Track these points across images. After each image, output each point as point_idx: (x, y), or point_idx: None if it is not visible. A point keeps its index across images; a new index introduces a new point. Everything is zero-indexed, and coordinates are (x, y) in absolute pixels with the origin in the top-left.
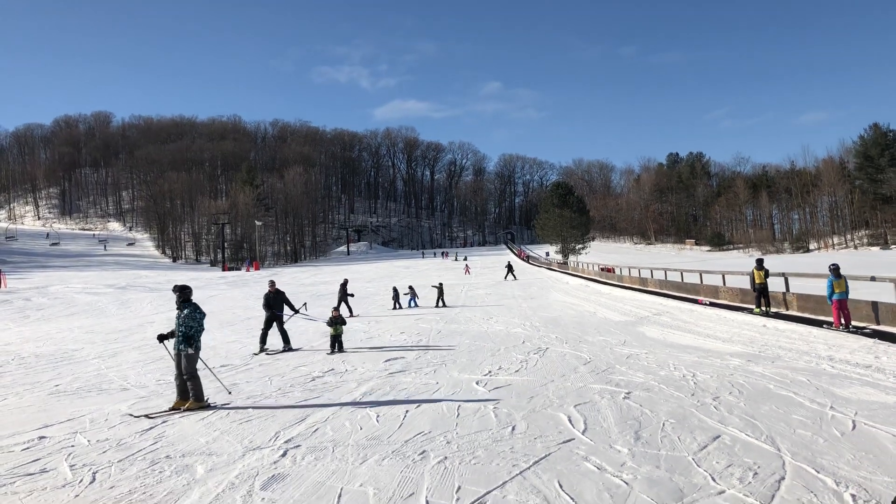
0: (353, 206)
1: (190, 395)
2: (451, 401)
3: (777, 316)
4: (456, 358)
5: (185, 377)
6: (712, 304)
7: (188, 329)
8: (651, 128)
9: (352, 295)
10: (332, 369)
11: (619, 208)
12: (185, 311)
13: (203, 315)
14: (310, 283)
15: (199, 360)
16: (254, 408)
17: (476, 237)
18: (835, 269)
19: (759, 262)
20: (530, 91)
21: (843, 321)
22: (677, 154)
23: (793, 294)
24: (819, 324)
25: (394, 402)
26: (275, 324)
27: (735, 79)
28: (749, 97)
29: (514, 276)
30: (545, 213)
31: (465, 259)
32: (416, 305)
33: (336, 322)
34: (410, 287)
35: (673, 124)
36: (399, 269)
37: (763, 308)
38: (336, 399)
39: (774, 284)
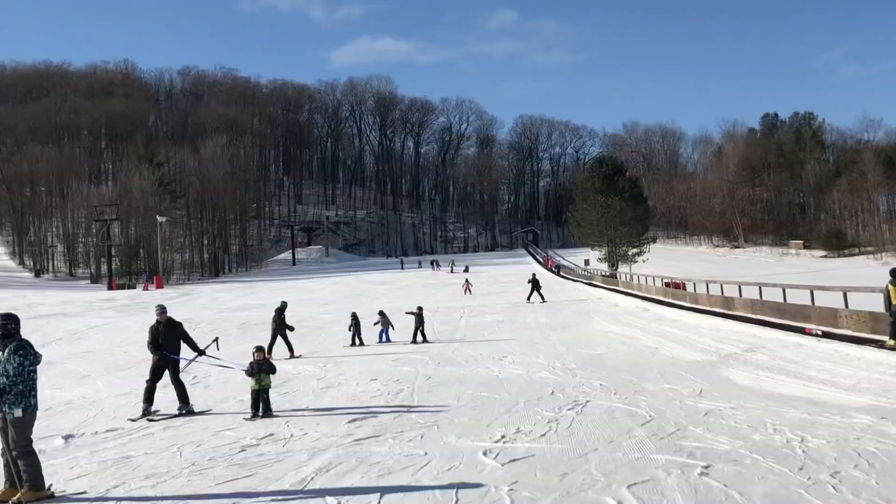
0: (301, 195)
1: (23, 481)
2: (447, 482)
3: None
4: (453, 417)
5: (13, 453)
6: (826, 335)
7: (15, 380)
8: (737, 78)
9: (291, 328)
10: (272, 434)
11: (691, 195)
12: (7, 353)
13: (37, 359)
14: (237, 308)
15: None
16: (156, 500)
17: (482, 238)
18: None
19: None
20: (560, 24)
21: None
22: (776, 115)
23: None
24: None
25: (362, 483)
26: (167, 372)
27: (857, 3)
28: (878, 30)
29: (541, 295)
30: (584, 202)
31: (466, 270)
32: (388, 340)
33: (260, 369)
34: (381, 314)
35: (768, 74)
36: (370, 285)
37: None
38: (277, 478)
39: None
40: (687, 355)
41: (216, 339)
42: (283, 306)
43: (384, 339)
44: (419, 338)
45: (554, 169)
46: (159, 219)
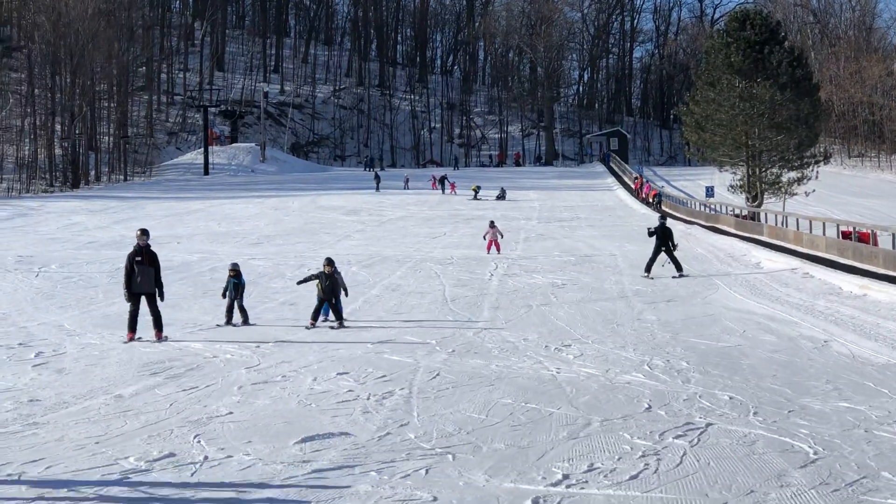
0: (223, 55)
1: None
2: None
3: None
4: (480, 441)
5: None
6: None
7: None
8: None
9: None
10: (171, 455)
11: (893, 85)
12: None
13: None
14: (108, 243)
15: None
16: None
17: (532, 142)
18: None
19: None
20: None
21: None
22: None
23: None
24: None
25: None
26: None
27: None
28: None
29: (674, 261)
30: (709, 87)
31: (501, 196)
32: (337, 318)
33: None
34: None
35: None
36: (335, 214)
37: None
38: None
39: None
40: (877, 355)
41: None
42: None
43: (324, 314)
44: (325, 317)
45: (659, 28)
46: None
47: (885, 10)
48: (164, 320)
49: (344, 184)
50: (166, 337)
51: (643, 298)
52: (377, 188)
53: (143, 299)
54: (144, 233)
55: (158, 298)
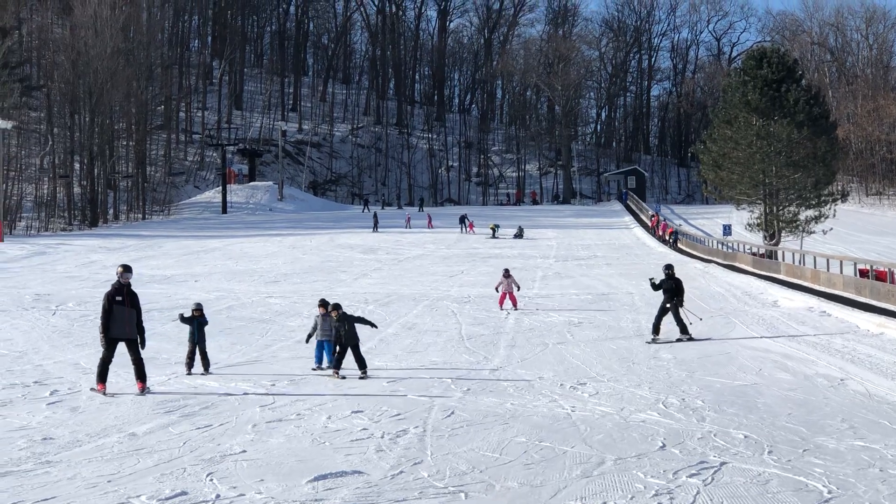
0: (241, 93)
1: None
2: None
3: None
4: (494, 480)
5: None
6: None
7: None
8: None
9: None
10: (184, 494)
11: None
12: None
13: None
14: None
15: None
16: None
17: (549, 181)
18: None
19: None
20: None
21: None
22: None
23: None
24: None
25: None
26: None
27: None
28: None
29: (680, 322)
30: (726, 125)
31: (519, 235)
32: (330, 363)
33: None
34: (323, 305)
35: None
36: (353, 253)
37: None
38: None
39: None
40: (893, 393)
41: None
42: (122, 283)
43: (322, 360)
44: (343, 368)
45: (677, 66)
46: (1, 123)
47: None
48: (178, 359)
49: (361, 222)
50: (149, 388)
51: (670, 343)
52: (375, 228)
53: (123, 345)
54: (127, 269)
55: (140, 345)
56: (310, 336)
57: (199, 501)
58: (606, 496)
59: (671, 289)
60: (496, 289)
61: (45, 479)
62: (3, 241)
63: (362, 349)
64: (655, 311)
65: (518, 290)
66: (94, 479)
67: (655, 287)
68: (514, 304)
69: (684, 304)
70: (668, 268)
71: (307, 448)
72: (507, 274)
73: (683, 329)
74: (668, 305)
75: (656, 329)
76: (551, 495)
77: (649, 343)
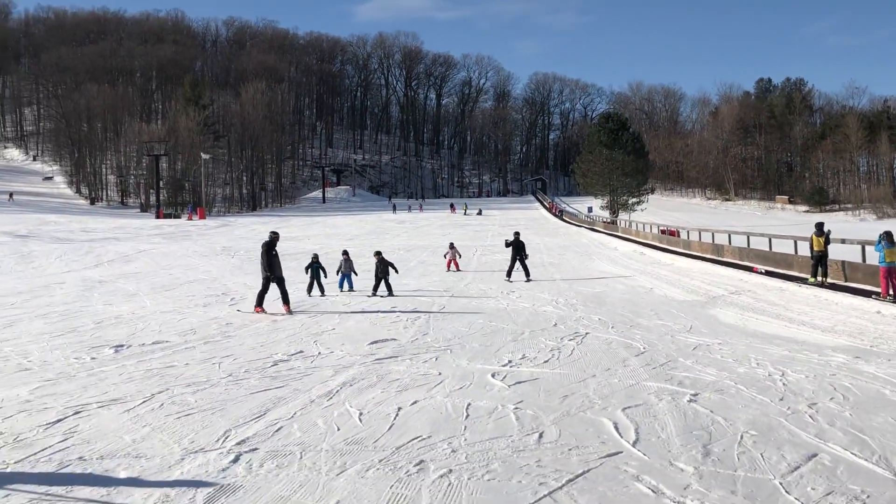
0: (331, 139)
1: None
2: (459, 398)
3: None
4: (465, 342)
5: None
6: (769, 273)
7: None
8: (735, 43)
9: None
10: (301, 351)
11: (688, 151)
12: None
13: None
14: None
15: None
16: (195, 404)
17: (495, 184)
18: (888, 236)
19: (819, 226)
20: None
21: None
22: (770, 81)
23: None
24: None
25: (382, 396)
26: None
27: None
28: (863, 4)
29: (525, 268)
30: (589, 154)
31: (479, 212)
32: (351, 288)
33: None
34: (345, 254)
35: (764, 40)
36: (391, 224)
37: (820, 278)
38: (306, 390)
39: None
40: (679, 295)
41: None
42: (274, 238)
43: (346, 286)
44: (380, 290)
45: (563, 123)
46: (203, 156)
47: (683, 110)
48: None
49: (398, 209)
50: (292, 312)
51: (553, 266)
52: (394, 211)
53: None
54: (275, 234)
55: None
56: (338, 270)
57: (308, 355)
58: (525, 351)
59: (519, 246)
60: (444, 256)
61: (227, 344)
62: (205, 218)
63: (391, 280)
64: (551, 253)
65: (460, 257)
66: (252, 345)
67: (508, 245)
68: (457, 267)
69: (528, 256)
70: (517, 232)
71: (366, 327)
72: (451, 246)
73: (527, 273)
74: (517, 257)
75: (508, 274)
76: (497, 350)
77: (507, 282)
